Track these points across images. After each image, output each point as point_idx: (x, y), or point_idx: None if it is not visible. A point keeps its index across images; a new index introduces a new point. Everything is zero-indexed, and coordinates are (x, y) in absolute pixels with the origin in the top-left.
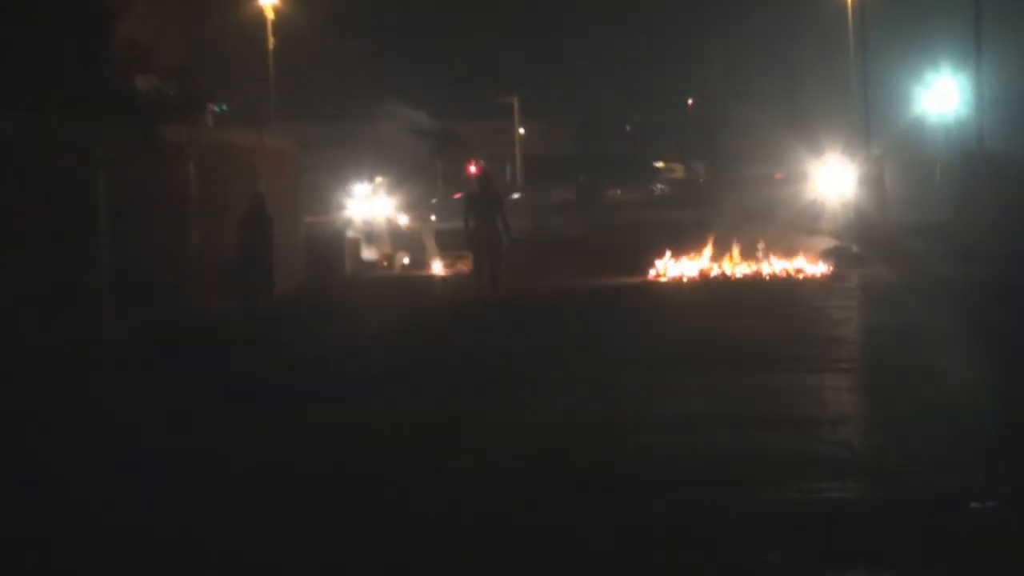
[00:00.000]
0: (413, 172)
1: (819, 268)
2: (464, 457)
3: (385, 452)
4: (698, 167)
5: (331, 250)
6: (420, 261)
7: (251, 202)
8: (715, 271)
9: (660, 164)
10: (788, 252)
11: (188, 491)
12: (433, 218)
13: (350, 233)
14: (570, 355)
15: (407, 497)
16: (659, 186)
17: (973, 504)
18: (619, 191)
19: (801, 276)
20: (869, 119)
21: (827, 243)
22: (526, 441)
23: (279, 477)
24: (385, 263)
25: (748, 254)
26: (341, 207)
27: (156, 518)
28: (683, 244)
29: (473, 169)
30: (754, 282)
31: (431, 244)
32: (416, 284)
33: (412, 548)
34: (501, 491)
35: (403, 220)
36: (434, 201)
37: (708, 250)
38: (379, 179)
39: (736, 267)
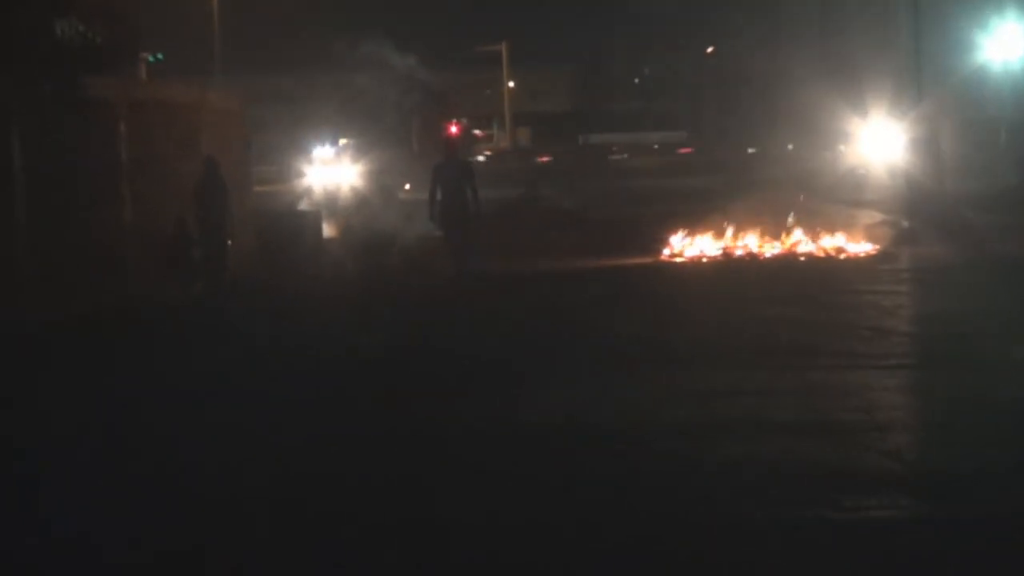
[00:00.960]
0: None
1: (863, 246)
2: (445, 472)
3: (359, 469)
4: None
5: (285, 225)
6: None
7: (204, 169)
8: (740, 250)
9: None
10: (826, 228)
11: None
12: (408, 187)
13: (304, 205)
14: (568, 349)
15: (372, 530)
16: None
17: None
18: (625, 155)
19: (842, 256)
20: (921, 72)
21: (872, 217)
22: (517, 452)
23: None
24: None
25: (779, 230)
26: (299, 174)
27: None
28: (702, 218)
29: (454, 130)
30: (787, 263)
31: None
32: (386, 264)
33: None
34: (489, 507)
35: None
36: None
37: (732, 225)
38: (345, 141)
39: (765, 245)
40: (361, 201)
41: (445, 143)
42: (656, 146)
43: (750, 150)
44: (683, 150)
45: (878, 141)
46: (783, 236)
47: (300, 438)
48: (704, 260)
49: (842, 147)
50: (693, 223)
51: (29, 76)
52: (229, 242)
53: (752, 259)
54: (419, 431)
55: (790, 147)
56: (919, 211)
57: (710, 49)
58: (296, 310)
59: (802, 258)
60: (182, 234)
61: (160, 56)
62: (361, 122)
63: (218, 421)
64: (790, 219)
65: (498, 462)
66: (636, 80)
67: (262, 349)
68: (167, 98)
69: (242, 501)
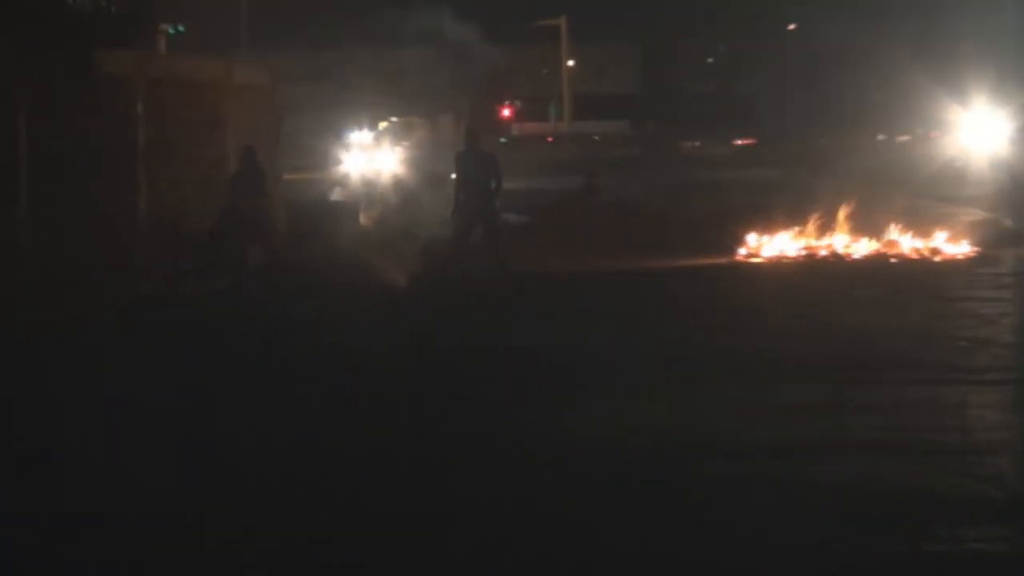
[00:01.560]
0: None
1: (961, 248)
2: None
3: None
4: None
5: (317, 217)
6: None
7: (242, 159)
8: (824, 250)
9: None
10: (920, 226)
11: None
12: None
13: (336, 195)
14: (633, 358)
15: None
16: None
17: None
18: (697, 143)
19: (938, 258)
20: None
21: (971, 215)
22: (572, 467)
23: None
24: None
25: (868, 228)
26: (334, 161)
27: None
28: (782, 213)
29: (507, 112)
30: (876, 265)
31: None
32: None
33: None
34: (539, 526)
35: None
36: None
37: (815, 222)
38: (385, 124)
39: (852, 245)
40: (406, 193)
41: (469, 133)
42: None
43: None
44: (741, 141)
45: (979, 130)
46: (873, 236)
47: (388, 443)
48: (784, 261)
49: (933, 135)
50: (772, 219)
51: (36, 50)
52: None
53: (837, 260)
54: (486, 437)
55: (880, 137)
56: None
57: (792, 26)
58: (343, 309)
59: (893, 260)
60: (225, 226)
61: (181, 28)
62: (404, 103)
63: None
64: (883, 218)
65: (566, 477)
66: (710, 60)
67: (317, 348)
68: (189, 75)
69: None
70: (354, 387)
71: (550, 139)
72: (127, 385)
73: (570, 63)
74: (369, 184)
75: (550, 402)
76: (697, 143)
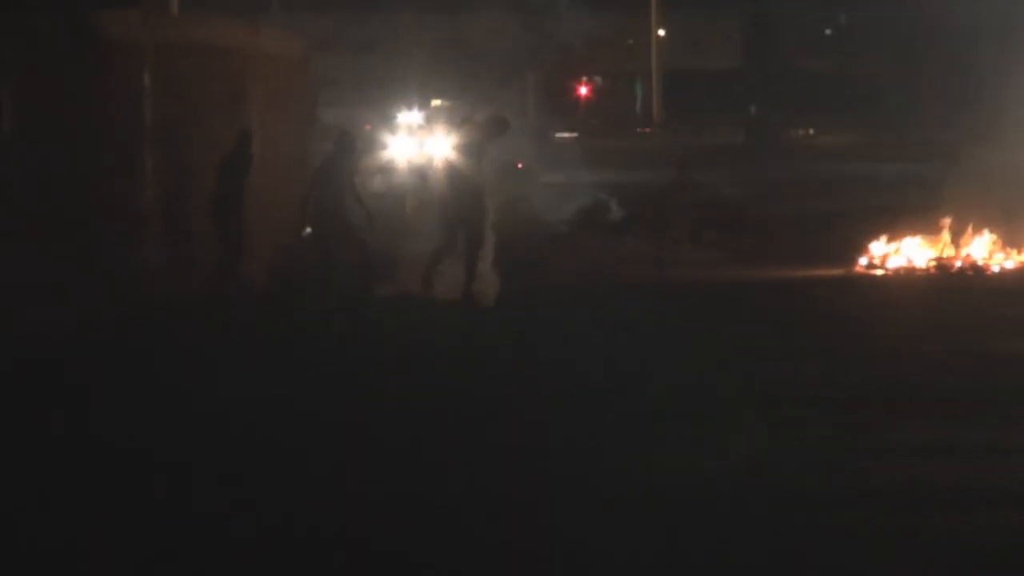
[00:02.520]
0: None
1: None
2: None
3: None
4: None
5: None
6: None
7: (237, 143)
8: (961, 261)
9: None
10: None
11: None
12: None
13: (378, 185)
14: (727, 386)
15: None
16: None
17: None
18: (811, 131)
19: None
20: None
21: None
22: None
23: None
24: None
25: (1015, 236)
26: (380, 145)
27: None
28: (911, 217)
29: (584, 91)
30: (1021, 281)
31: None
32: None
33: None
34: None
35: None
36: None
37: (951, 228)
38: (438, 103)
39: (995, 256)
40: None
41: (489, 120)
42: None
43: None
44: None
45: None
46: (1021, 245)
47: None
48: (913, 273)
49: None
50: (899, 223)
51: (24, 10)
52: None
53: (976, 274)
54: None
55: None
56: None
57: None
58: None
59: None
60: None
61: None
62: (460, 79)
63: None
64: None
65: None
66: (828, 31)
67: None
68: (206, 41)
69: None
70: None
71: (647, 129)
72: None
73: (660, 32)
74: (420, 172)
75: (639, 439)
76: (810, 130)
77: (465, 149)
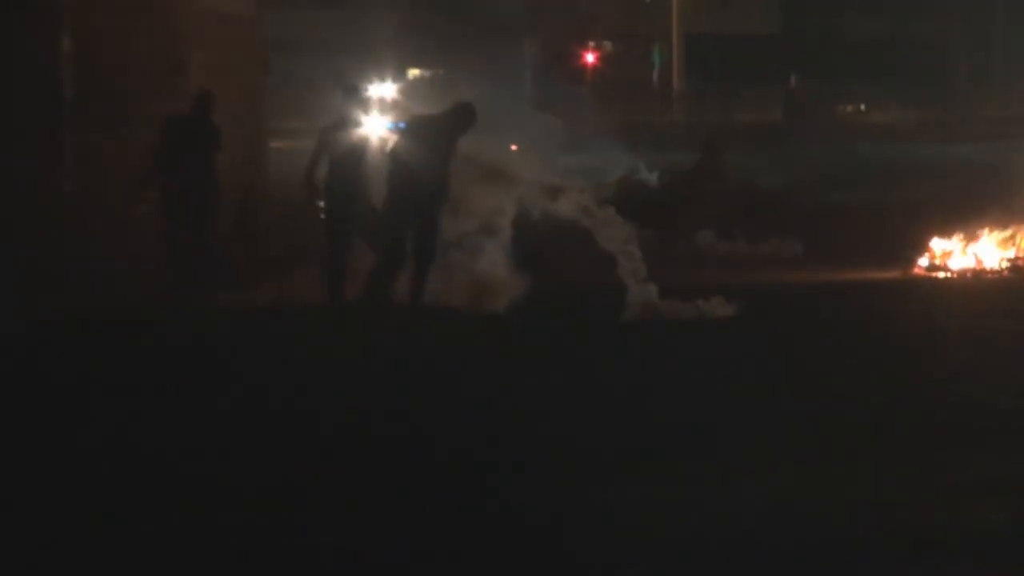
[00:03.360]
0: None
1: None
2: None
3: None
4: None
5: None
6: None
7: (194, 106)
8: None
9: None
10: None
11: None
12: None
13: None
14: (757, 417)
15: None
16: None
17: None
18: (862, 106)
19: None
20: None
21: None
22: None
23: None
24: None
25: None
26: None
27: None
28: (980, 210)
29: (591, 58)
30: None
31: None
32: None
33: None
34: None
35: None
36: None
37: None
38: (417, 73)
39: None
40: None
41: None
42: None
43: None
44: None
45: None
46: None
47: None
48: (983, 276)
49: None
50: (966, 217)
51: None
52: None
53: None
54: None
55: None
56: None
57: None
58: None
59: None
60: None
61: None
62: (444, 45)
63: None
64: None
65: None
66: None
67: None
68: None
69: None
70: None
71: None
72: None
73: None
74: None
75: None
76: (861, 106)
77: (423, 139)
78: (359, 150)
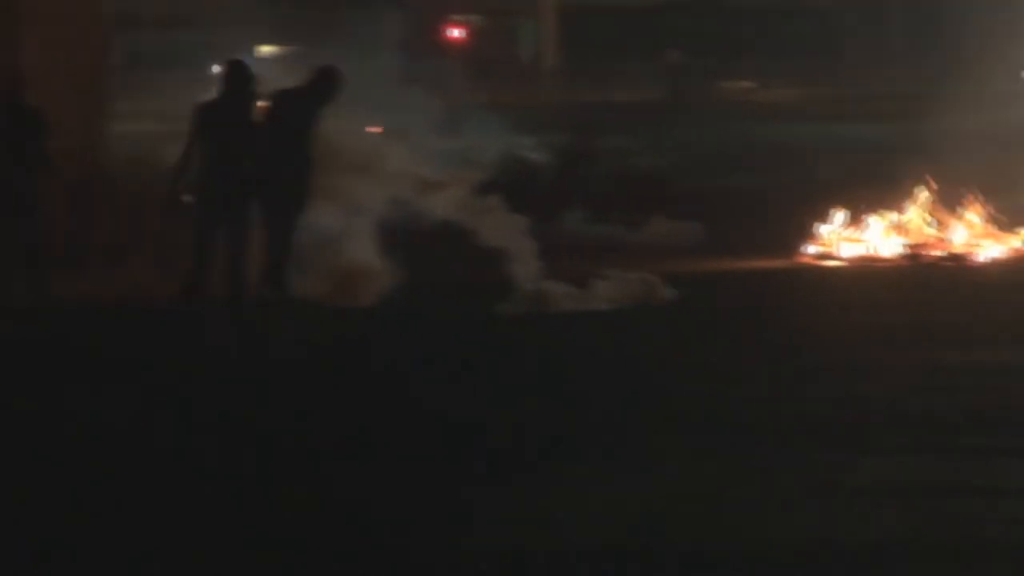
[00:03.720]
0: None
1: None
2: None
3: None
4: None
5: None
6: None
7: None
8: (938, 248)
9: None
10: None
11: None
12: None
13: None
14: (630, 417)
15: None
16: None
17: None
18: (751, 83)
19: None
20: None
21: None
22: None
23: None
24: None
25: (1003, 217)
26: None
27: None
28: (875, 193)
29: (456, 33)
30: (1014, 273)
31: None
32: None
33: None
34: None
35: None
36: None
37: (923, 207)
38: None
39: (980, 242)
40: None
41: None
42: None
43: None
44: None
45: None
46: (1010, 228)
47: None
48: (875, 264)
49: None
50: (858, 201)
51: None
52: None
53: (958, 265)
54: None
55: None
56: None
57: None
58: None
59: None
60: None
61: None
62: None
63: None
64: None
65: None
66: None
67: None
68: None
69: None
70: None
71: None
72: None
73: None
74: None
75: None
76: (750, 83)
77: (283, 111)
78: (245, 128)
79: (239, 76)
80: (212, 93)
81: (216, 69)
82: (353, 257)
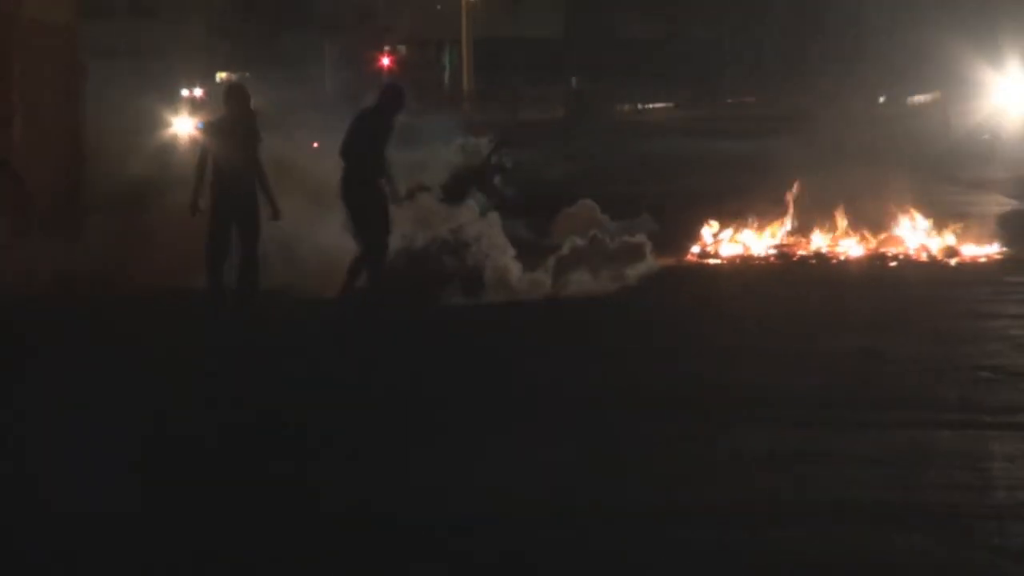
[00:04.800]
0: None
1: (985, 248)
2: None
3: None
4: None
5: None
6: None
7: None
8: (804, 248)
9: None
10: (932, 218)
11: None
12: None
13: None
14: (540, 396)
15: None
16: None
17: None
18: (640, 105)
19: (954, 261)
20: None
21: (1000, 204)
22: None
23: None
24: None
25: (863, 221)
26: (163, 123)
27: None
28: (749, 200)
29: (386, 62)
30: (872, 270)
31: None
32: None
33: None
34: None
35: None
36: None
37: (792, 212)
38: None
39: (842, 243)
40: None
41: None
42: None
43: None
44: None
45: (1013, 96)
46: (867, 231)
47: None
48: (750, 262)
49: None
50: (736, 206)
51: None
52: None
53: (822, 262)
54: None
55: (882, 99)
56: None
57: None
58: None
59: (895, 263)
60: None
61: None
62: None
63: None
64: (882, 207)
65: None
66: None
67: None
68: None
69: None
70: None
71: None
72: None
73: None
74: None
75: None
76: (640, 105)
77: (365, 126)
78: (245, 143)
79: (239, 96)
80: (216, 112)
81: (183, 93)
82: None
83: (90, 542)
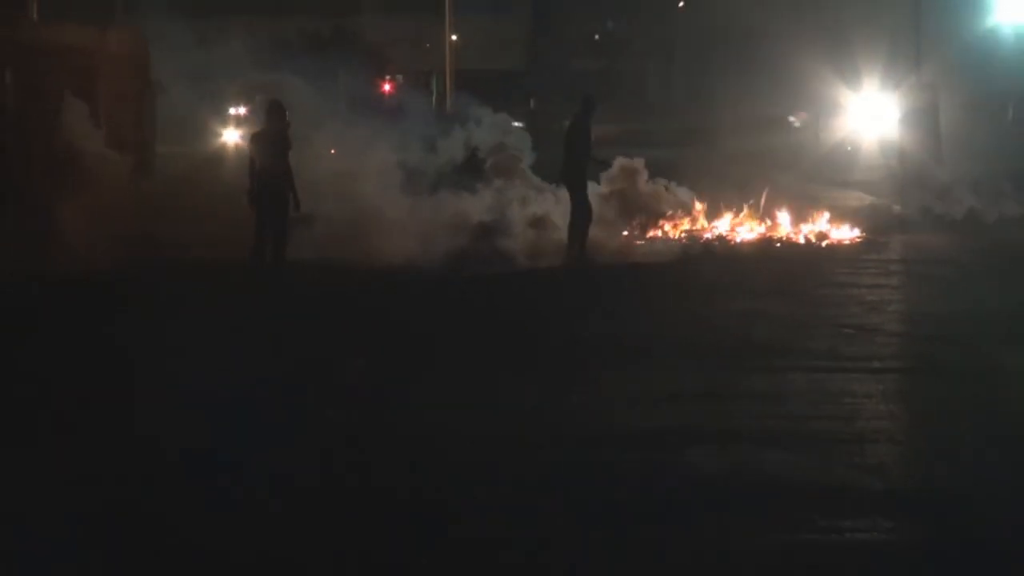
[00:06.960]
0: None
1: (847, 233)
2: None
3: None
4: None
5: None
6: None
7: None
8: (708, 234)
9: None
10: (807, 211)
11: None
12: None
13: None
14: (505, 349)
15: None
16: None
17: None
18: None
19: (824, 243)
20: (920, 35)
21: (859, 200)
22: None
23: None
24: None
25: (753, 213)
26: (215, 133)
27: None
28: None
29: (387, 87)
30: (761, 250)
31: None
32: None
33: None
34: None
35: None
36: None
37: (699, 206)
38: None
39: (737, 229)
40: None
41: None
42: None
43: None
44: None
45: (869, 113)
46: (757, 220)
47: None
48: (666, 243)
49: (793, 119)
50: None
51: None
52: None
53: (721, 245)
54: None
55: (793, 120)
56: (912, 194)
57: (681, 3)
58: None
59: (778, 245)
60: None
61: None
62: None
63: None
64: (767, 202)
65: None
66: (596, 36)
67: None
68: (60, 42)
69: None
70: None
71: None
72: None
73: (454, 37)
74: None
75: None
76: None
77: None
78: (279, 149)
79: (278, 112)
80: (258, 126)
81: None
82: None
83: None
